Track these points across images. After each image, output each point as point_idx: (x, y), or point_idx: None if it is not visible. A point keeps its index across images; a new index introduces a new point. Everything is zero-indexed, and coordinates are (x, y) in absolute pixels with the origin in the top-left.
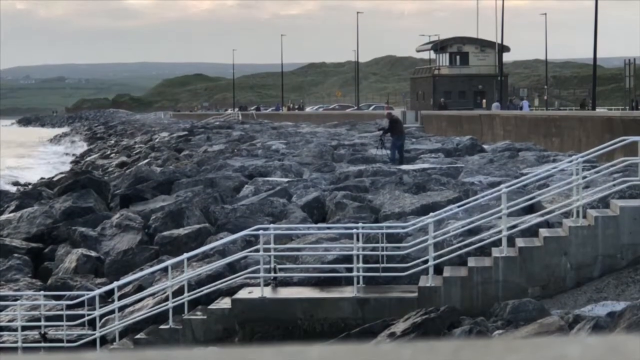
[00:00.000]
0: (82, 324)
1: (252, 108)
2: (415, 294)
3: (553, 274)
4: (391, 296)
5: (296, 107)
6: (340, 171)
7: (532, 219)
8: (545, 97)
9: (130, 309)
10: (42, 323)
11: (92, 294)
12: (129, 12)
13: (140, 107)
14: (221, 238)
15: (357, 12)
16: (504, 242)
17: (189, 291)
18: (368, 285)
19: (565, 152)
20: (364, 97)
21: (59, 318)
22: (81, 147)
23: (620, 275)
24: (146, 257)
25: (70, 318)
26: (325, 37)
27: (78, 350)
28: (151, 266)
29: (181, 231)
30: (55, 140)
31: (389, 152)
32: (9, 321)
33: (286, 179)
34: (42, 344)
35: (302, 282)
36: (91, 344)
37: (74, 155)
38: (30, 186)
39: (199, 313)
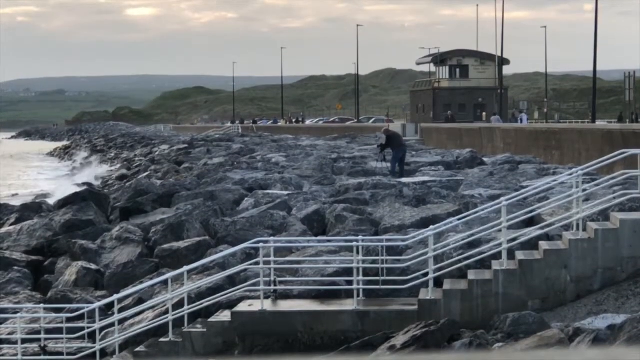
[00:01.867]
0: (82, 337)
1: (249, 121)
2: (416, 307)
3: (553, 286)
4: (391, 309)
5: (293, 120)
6: (341, 184)
7: (532, 232)
8: (545, 110)
9: (130, 321)
10: (42, 336)
11: (92, 306)
12: (129, 25)
13: (140, 120)
14: (221, 251)
15: (357, 25)
16: (504, 255)
17: (189, 304)
18: (368, 298)
19: (565, 164)
20: (364, 110)
21: (59, 331)
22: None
23: (620, 288)
24: (146, 270)
25: (70, 331)
26: (325, 50)
27: None
28: (151, 279)
29: (181, 244)
30: (57, 154)
31: (389, 164)
32: (9, 334)
33: (286, 192)
34: (42, 357)
35: (302, 295)
36: (91, 357)
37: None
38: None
39: (199, 326)
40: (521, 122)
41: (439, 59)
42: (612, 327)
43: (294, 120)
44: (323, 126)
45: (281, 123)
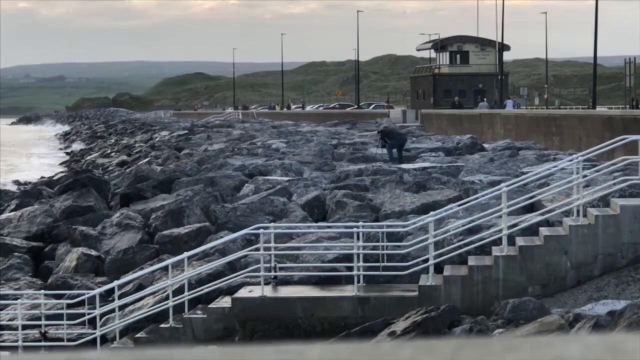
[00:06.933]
0: (82, 323)
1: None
2: (416, 293)
3: (553, 272)
4: (391, 295)
5: (288, 106)
6: (341, 170)
7: (533, 218)
8: (546, 96)
9: (131, 307)
10: (43, 322)
11: (92, 292)
12: (130, 11)
13: (141, 106)
14: (221, 237)
15: (358, 11)
16: (504, 241)
17: (189, 290)
18: (368, 284)
19: (566, 151)
20: (364, 96)
21: (59, 317)
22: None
23: (620, 274)
24: (146, 256)
25: (71, 317)
26: (325, 36)
27: (78, 349)
28: (151, 265)
29: (181, 230)
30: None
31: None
32: (10, 320)
33: (286, 178)
34: (43, 343)
35: (302, 281)
36: (91, 343)
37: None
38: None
39: (199, 312)
40: (505, 107)
41: (440, 45)
42: (612, 313)
43: (286, 107)
44: (323, 112)
45: (277, 109)
